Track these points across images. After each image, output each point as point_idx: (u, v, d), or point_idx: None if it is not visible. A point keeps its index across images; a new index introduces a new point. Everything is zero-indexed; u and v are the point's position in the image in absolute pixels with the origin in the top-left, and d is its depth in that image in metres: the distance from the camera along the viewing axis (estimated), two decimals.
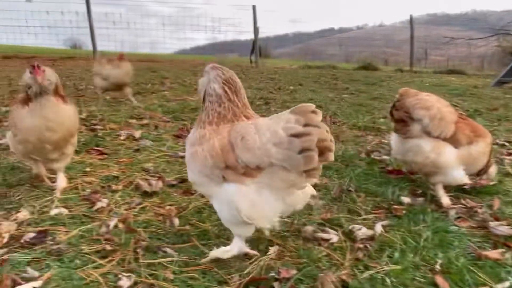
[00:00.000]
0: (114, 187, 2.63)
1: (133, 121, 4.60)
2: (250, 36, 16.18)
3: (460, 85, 10.09)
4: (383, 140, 4.13)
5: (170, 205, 2.40)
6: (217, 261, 1.80)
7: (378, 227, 2.10)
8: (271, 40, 22.16)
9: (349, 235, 2.06)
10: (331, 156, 1.57)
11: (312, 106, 1.50)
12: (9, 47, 15.51)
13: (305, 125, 1.47)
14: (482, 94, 8.33)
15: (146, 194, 2.55)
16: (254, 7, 15.31)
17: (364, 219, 2.27)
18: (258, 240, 2.00)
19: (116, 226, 2.09)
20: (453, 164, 2.49)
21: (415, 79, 11.48)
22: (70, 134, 2.46)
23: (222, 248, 1.82)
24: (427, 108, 2.46)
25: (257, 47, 15.59)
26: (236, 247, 1.81)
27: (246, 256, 1.85)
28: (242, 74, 11.04)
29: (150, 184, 2.62)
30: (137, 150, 3.50)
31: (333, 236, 2.01)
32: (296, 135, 1.47)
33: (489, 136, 2.63)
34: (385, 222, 2.18)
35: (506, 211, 2.41)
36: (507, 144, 4.17)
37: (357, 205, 2.44)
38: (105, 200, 2.40)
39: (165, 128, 4.36)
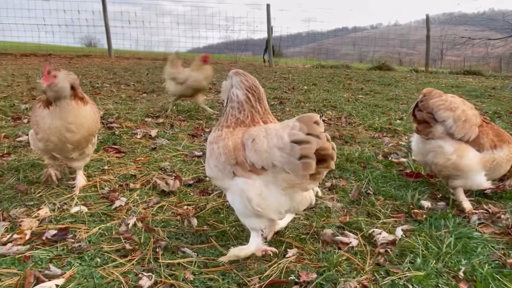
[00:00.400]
0: (131, 185, 2.65)
1: (149, 119, 4.64)
2: (263, 35, 16.16)
3: (478, 87, 9.90)
4: (400, 142, 4.08)
5: (188, 204, 2.41)
6: (236, 260, 1.79)
7: (399, 232, 2.06)
8: (284, 39, 22.07)
9: (369, 239, 2.03)
10: (332, 165, 1.64)
11: (316, 117, 1.55)
12: (27, 45, 15.79)
13: (308, 133, 1.53)
14: (501, 96, 8.16)
15: (163, 193, 2.56)
16: (268, 6, 15.26)
17: (384, 223, 2.24)
18: (276, 242, 1.99)
19: (135, 225, 2.11)
20: (475, 168, 2.44)
21: (431, 80, 11.31)
22: (90, 134, 2.49)
23: (240, 246, 1.85)
24: (452, 109, 2.41)
25: (270, 46, 15.55)
26: (253, 243, 1.82)
27: (265, 258, 1.85)
28: (256, 73, 11.02)
29: (167, 184, 2.63)
30: (154, 149, 3.51)
31: (353, 240, 1.98)
32: (297, 142, 1.53)
33: None
34: (405, 227, 2.14)
35: None
36: None
37: (376, 209, 2.40)
38: (124, 199, 2.41)
39: (180, 127, 4.38)
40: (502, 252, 1.95)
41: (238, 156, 1.72)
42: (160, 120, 4.61)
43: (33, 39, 15.55)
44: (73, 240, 1.92)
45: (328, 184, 2.78)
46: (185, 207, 2.36)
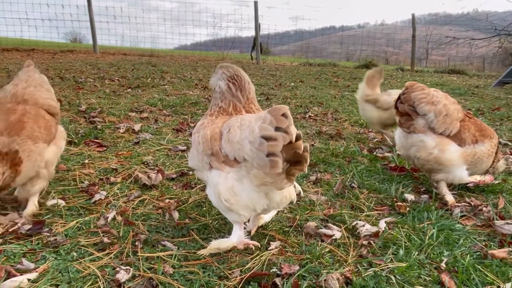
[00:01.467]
0: (112, 179, 2.58)
1: (133, 114, 4.55)
2: (250, 32, 16.10)
3: (462, 85, 10.05)
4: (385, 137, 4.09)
5: (170, 198, 2.36)
6: (217, 253, 1.76)
7: (382, 224, 2.06)
8: (272, 37, 22.08)
9: (353, 232, 2.02)
10: (305, 168, 1.56)
11: (284, 109, 1.45)
12: (9, 40, 15.39)
13: (277, 128, 1.43)
14: (484, 94, 8.30)
15: (145, 187, 2.50)
16: (256, 3, 15.21)
17: (367, 215, 2.23)
18: (259, 235, 1.96)
19: (114, 219, 2.05)
20: (456, 162, 2.45)
21: (416, 78, 11.44)
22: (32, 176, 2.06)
23: (222, 239, 1.82)
24: (433, 103, 2.41)
25: (258, 44, 15.51)
26: (235, 236, 1.79)
27: (247, 251, 1.81)
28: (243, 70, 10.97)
29: (149, 177, 2.58)
30: (137, 143, 3.45)
31: (336, 232, 1.97)
32: (266, 138, 1.45)
33: (496, 137, 2.58)
34: (388, 219, 2.14)
35: (510, 210, 2.37)
36: (510, 143, 4.13)
37: (360, 202, 2.40)
38: (103, 193, 2.35)
39: (165, 122, 4.31)
40: (484, 244, 1.96)
41: (213, 146, 1.69)
42: (144, 115, 4.53)
43: (15, 34, 15.23)
44: (48, 234, 1.85)
45: (313, 178, 2.77)
46: (167, 200, 2.31)
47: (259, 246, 1.83)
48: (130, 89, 6.37)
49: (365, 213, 2.25)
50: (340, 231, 1.99)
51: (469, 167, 2.51)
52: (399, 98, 2.54)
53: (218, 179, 1.68)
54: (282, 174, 1.54)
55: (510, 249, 1.88)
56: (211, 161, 1.71)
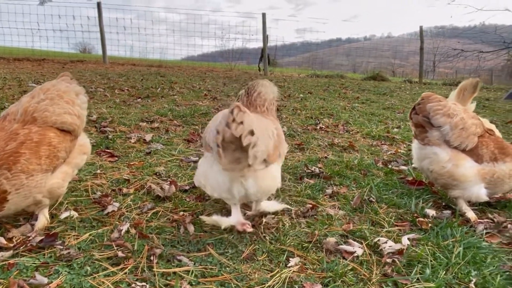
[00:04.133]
0: (125, 190, 2.54)
1: (144, 124, 4.53)
2: (258, 44, 16.21)
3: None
4: (399, 150, 4.02)
5: (184, 210, 2.30)
6: (236, 271, 1.69)
7: (405, 240, 1.98)
8: (279, 49, 22.18)
9: (374, 248, 1.94)
10: (250, 160, 1.70)
11: (235, 106, 1.62)
12: (21, 50, 15.61)
13: (227, 123, 1.63)
14: (495, 106, 8.20)
15: (158, 199, 2.45)
16: (264, 15, 15.32)
17: (388, 231, 2.15)
18: (277, 251, 1.89)
19: (128, 232, 1.99)
20: (472, 179, 2.35)
21: (425, 90, 11.36)
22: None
23: (223, 217, 2.02)
24: (450, 115, 2.34)
25: (265, 55, 15.57)
26: (234, 217, 2.00)
27: (266, 268, 1.74)
28: (250, 81, 10.98)
29: (162, 189, 2.53)
30: (148, 154, 3.41)
31: (358, 249, 1.89)
32: (217, 131, 1.69)
33: None
34: (411, 236, 2.06)
35: None
36: None
37: (379, 217, 2.32)
38: (116, 204, 2.30)
39: (175, 132, 4.28)
40: None
41: (205, 134, 2.02)
42: (155, 125, 4.51)
43: (27, 44, 15.39)
44: (61, 247, 1.80)
45: (329, 191, 2.70)
46: (181, 213, 2.25)
47: (252, 231, 1.97)
48: (140, 99, 6.38)
49: (386, 229, 2.17)
50: (361, 248, 1.92)
51: (488, 186, 2.41)
52: (413, 108, 2.49)
53: (200, 162, 2.07)
54: (235, 163, 1.74)
55: None
56: (204, 147, 2.06)
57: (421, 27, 15.92)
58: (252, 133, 1.65)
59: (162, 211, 2.29)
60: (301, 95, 8.28)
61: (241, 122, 1.62)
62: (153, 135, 3.97)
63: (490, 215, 2.44)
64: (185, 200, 2.48)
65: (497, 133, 2.61)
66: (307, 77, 15.00)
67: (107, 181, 2.68)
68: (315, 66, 20.67)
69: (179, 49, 18.46)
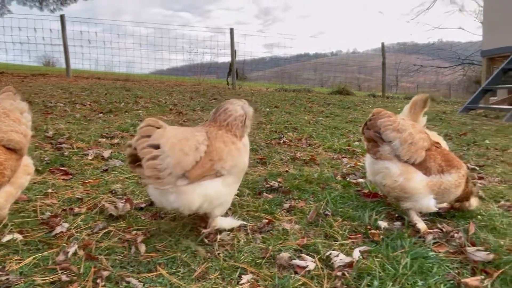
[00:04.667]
0: (76, 210, 2.45)
1: (103, 140, 4.42)
2: (227, 58, 16.31)
3: (430, 111, 10.42)
4: (359, 163, 4.13)
5: (137, 229, 2.25)
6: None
7: (356, 253, 2.02)
8: (248, 63, 22.41)
9: (327, 262, 1.97)
10: (144, 171, 1.85)
11: (141, 125, 1.89)
12: None
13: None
14: (451, 119, 8.62)
15: (111, 218, 2.38)
16: (232, 30, 15.50)
17: (342, 244, 2.19)
18: (230, 268, 1.87)
19: (75, 254, 1.91)
20: (422, 191, 2.45)
21: (387, 104, 11.81)
22: None
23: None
24: (399, 130, 2.43)
25: (234, 69, 15.70)
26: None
27: (218, 286, 1.72)
28: (218, 95, 11.01)
29: (116, 207, 2.46)
30: (105, 171, 3.32)
31: (310, 263, 1.91)
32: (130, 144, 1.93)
33: (464, 168, 2.59)
34: (362, 248, 2.10)
35: (481, 236, 2.39)
36: (477, 168, 4.25)
37: (334, 230, 2.36)
38: (66, 225, 2.21)
39: None
40: (457, 272, 1.94)
41: None
42: (116, 141, 4.41)
43: None
44: (1, 273, 1.70)
45: (286, 205, 2.72)
46: (134, 232, 2.20)
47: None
48: (101, 114, 6.23)
49: (339, 242, 2.21)
50: (313, 262, 1.94)
51: (437, 197, 2.52)
52: (365, 124, 2.57)
53: None
54: (143, 176, 1.87)
55: (483, 277, 1.88)
56: None
57: (382, 44, 16.63)
58: (156, 146, 1.83)
59: (114, 230, 2.22)
60: (267, 109, 8.37)
61: (148, 136, 1.84)
62: (112, 151, 3.88)
63: (439, 225, 2.53)
64: (140, 218, 2.42)
65: (444, 144, 2.74)
66: (275, 91, 15.21)
67: (58, 201, 2.58)
68: (284, 80, 21.03)
69: (146, 62, 18.27)
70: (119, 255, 1.96)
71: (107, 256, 1.93)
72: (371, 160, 2.60)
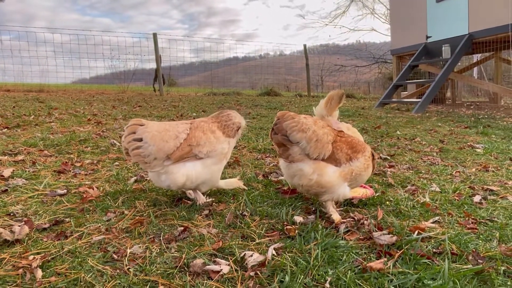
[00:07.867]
0: None
1: (5, 157, 3.97)
2: (154, 65, 15.78)
3: (351, 107, 11.12)
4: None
5: (37, 253, 2.03)
6: None
7: (270, 251, 2.03)
8: (177, 69, 21.98)
9: (241, 263, 1.95)
10: (128, 159, 2.59)
11: (130, 122, 2.53)
12: None
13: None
14: (368, 114, 9.26)
15: (6, 244, 2.12)
16: (155, 35, 15.06)
17: (258, 243, 2.19)
18: (140, 283, 1.77)
19: None
20: (336, 182, 2.55)
21: (312, 103, 12.33)
22: None
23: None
24: (303, 130, 2.48)
25: (160, 75, 15.26)
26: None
27: None
28: (144, 102, 10.61)
29: (12, 231, 2.20)
30: (4, 191, 2.98)
31: (224, 267, 1.88)
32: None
33: (368, 149, 2.74)
34: (277, 245, 2.13)
35: (388, 220, 2.56)
36: (389, 157, 4.59)
37: (251, 230, 2.36)
38: None
39: (44, 164, 3.84)
40: (364, 257, 2.05)
41: None
42: (20, 157, 3.99)
43: None
44: None
45: (206, 211, 2.67)
46: (31, 257, 1.98)
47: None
48: (6, 129, 5.63)
49: (255, 242, 2.21)
50: (228, 265, 1.91)
51: (351, 183, 2.65)
52: (272, 129, 2.58)
53: None
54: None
55: (386, 259, 2.00)
56: None
57: (304, 46, 17.36)
58: (139, 140, 2.46)
59: (8, 258, 1.98)
60: (194, 114, 8.25)
61: (133, 132, 2.49)
62: (14, 170, 3.50)
63: (351, 214, 2.66)
64: (41, 240, 2.20)
65: (346, 130, 2.83)
66: (204, 96, 15.10)
67: None
68: (215, 84, 20.94)
69: (63, 72, 17.01)
70: (11, 285, 1.74)
71: None
72: (286, 164, 2.63)
